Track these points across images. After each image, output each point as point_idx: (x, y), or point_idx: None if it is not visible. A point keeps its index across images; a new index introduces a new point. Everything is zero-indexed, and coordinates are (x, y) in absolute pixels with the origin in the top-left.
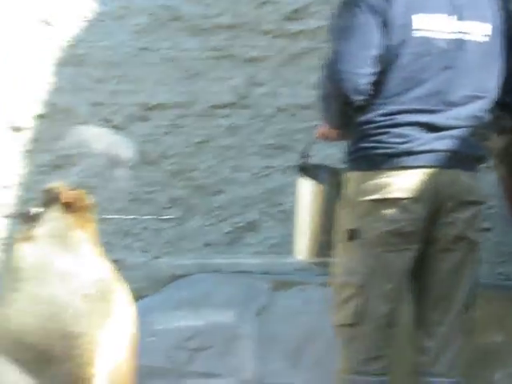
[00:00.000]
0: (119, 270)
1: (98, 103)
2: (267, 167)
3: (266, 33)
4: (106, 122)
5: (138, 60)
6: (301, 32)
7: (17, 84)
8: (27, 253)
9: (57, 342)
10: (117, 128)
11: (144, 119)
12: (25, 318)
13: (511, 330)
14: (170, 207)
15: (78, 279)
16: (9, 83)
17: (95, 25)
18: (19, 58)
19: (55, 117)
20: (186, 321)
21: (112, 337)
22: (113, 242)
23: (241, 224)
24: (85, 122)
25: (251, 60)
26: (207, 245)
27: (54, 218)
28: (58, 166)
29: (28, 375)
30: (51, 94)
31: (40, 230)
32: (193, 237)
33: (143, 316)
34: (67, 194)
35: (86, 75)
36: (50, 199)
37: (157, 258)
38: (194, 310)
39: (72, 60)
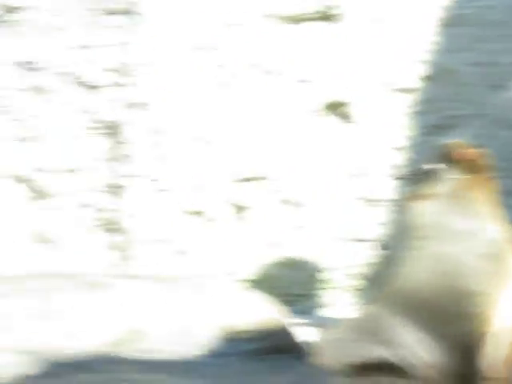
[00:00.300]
0: None
1: (479, 63)
2: None
3: None
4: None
5: None
6: None
7: (401, 46)
8: (427, 211)
9: (455, 300)
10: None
11: None
12: (427, 275)
13: None
14: None
15: (474, 239)
16: (393, 46)
17: None
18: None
19: (440, 78)
20: None
21: (509, 296)
22: None
23: None
24: (467, 83)
25: None
26: None
27: (452, 177)
28: (444, 126)
29: (424, 334)
30: (436, 55)
31: (438, 188)
32: None
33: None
34: (466, 153)
35: (468, 35)
36: (448, 157)
37: None
38: None
39: (455, 20)
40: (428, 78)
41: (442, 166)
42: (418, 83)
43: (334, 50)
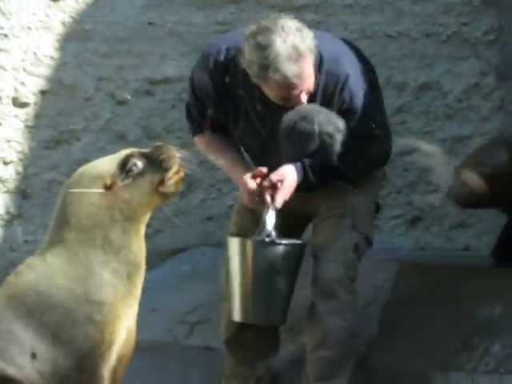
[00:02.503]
0: None
1: (104, 78)
2: None
3: (272, 6)
4: (111, 98)
5: (144, 34)
6: (306, 6)
7: (21, 59)
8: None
9: (81, 306)
10: (121, 103)
11: (149, 94)
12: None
13: (508, 303)
14: None
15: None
16: (14, 58)
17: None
18: (24, 32)
19: (60, 92)
20: (187, 295)
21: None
22: None
23: None
24: (90, 98)
25: None
26: (209, 218)
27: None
28: (61, 140)
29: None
30: (56, 70)
31: None
32: (195, 210)
33: (144, 290)
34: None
35: (92, 50)
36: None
37: (159, 231)
38: (195, 284)
39: (78, 35)
40: (47, 92)
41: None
42: (35, 97)
43: None
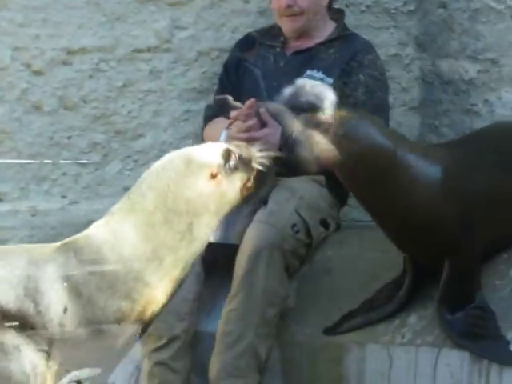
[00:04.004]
0: (36, 215)
1: (19, 48)
2: (188, 111)
3: None
4: (27, 67)
5: (60, 4)
6: None
7: None
8: None
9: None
10: (38, 73)
11: (66, 63)
12: None
13: None
14: (89, 152)
15: None
16: None
17: None
18: None
19: None
20: None
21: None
22: (30, 188)
23: None
24: (5, 67)
25: (174, 4)
26: (126, 189)
27: None
28: None
29: None
30: None
31: None
32: (112, 182)
33: None
34: None
35: (8, 19)
36: None
37: (75, 203)
38: None
39: None
40: None
41: None
42: None
43: None
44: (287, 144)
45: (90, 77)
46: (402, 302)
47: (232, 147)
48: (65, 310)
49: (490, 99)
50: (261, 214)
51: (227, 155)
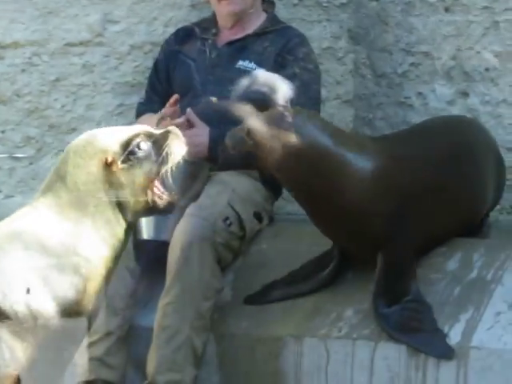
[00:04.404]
0: None
1: None
2: (121, 105)
3: None
4: None
5: None
6: None
7: None
8: None
9: None
10: None
11: None
12: None
13: (359, 267)
14: (23, 146)
15: None
16: None
17: None
18: None
19: None
20: None
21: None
22: None
23: None
24: None
25: None
26: None
27: None
28: None
29: None
30: None
31: None
32: (46, 176)
33: None
34: None
35: None
36: None
37: (9, 197)
38: None
39: None
40: None
41: None
42: None
43: None
44: (221, 142)
45: (23, 71)
46: (323, 284)
47: (144, 134)
48: (28, 291)
49: (424, 92)
50: (192, 208)
51: (126, 144)
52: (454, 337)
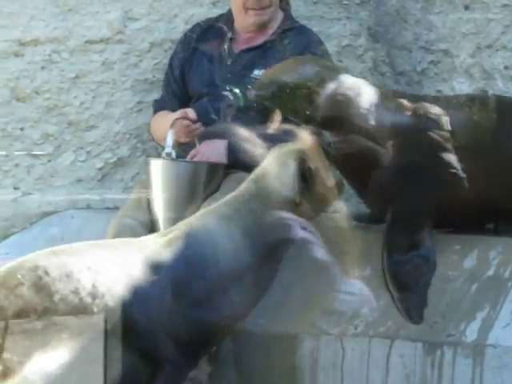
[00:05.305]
0: None
1: None
2: (140, 102)
3: None
4: None
5: None
6: None
7: None
8: None
9: None
10: None
11: (18, 55)
12: None
13: (377, 263)
14: (42, 143)
15: None
16: None
17: None
18: None
19: None
20: None
21: None
22: None
23: (113, 160)
24: None
25: None
26: (79, 181)
27: None
28: None
29: None
30: None
31: None
32: (64, 173)
33: (14, 252)
34: None
35: None
36: None
37: (28, 194)
38: None
39: None
40: None
41: None
42: None
43: None
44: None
45: (43, 68)
46: None
47: None
48: None
49: (443, 90)
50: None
51: None
52: (470, 334)
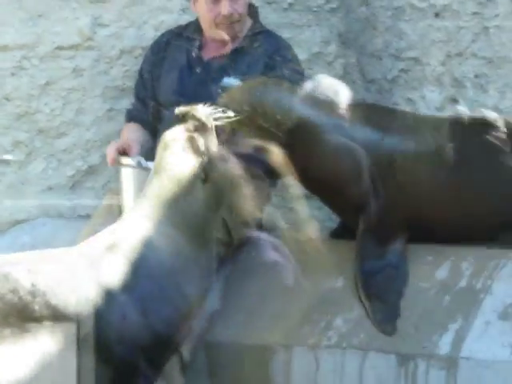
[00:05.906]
0: None
1: None
2: (111, 110)
3: None
4: None
5: None
6: None
7: None
8: None
9: None
10: None
11: None
12: None
13: (350, 276)
14: (12, 150)
15: None
16: None
17: None
18: None
19: None
20: None
21: None
22: None
23: (84, 167)
24: None
25: (96, 1)
26: (50, 188)
27: None
28: None
29: None
30: None
31: None
32: (36, 180)
33: None
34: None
35: None
36: None
37: None
38: None
39: None
40: None
41: None
42: None
43: None
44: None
45: (13, 74)
46: None
47: None
48: None
49: (413, 98)
50: None
51: None
52: (443, 346)
